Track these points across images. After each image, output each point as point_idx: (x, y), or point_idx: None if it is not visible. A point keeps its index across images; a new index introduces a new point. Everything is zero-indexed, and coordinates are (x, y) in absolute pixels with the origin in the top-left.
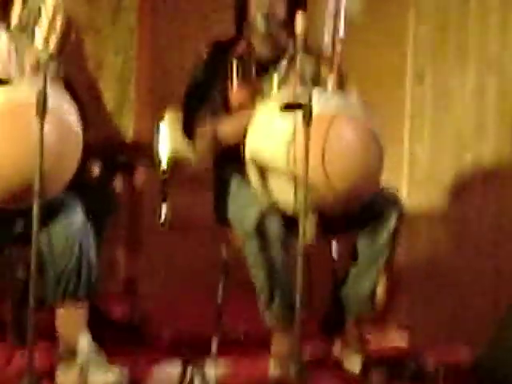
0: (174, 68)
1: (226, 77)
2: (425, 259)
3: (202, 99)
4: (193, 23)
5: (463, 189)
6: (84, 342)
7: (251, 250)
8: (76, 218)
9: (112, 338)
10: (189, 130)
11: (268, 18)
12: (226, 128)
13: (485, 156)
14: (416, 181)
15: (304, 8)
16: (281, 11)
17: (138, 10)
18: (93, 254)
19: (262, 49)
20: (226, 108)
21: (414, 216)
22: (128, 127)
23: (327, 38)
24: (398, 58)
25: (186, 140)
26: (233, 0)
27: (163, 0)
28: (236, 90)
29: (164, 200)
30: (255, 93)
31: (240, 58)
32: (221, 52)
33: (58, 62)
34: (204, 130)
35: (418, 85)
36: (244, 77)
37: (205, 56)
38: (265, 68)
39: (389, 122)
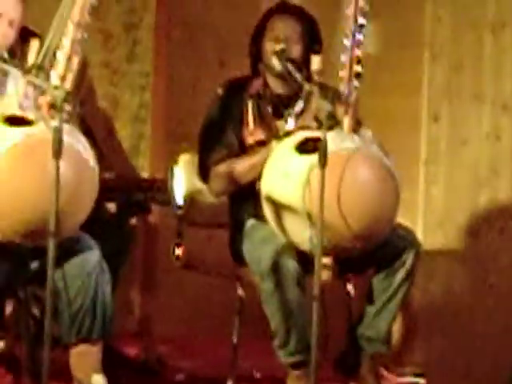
0: (189, 108)
1: (242, 116)
2: (441, 299)
3: (217, 139)
4: (209, 65)
5: (479, 228)
6: (98, 383)
7: (267, 290)
8: (91, 256)
9: (127, 379)
10: (204, 169)
11: (283, 56)
12: (242, 168)
13: (500, 196)
14: (432, 221)
15: (320, 47)
16: (296, 50)
17: (154, 52)
18: (108, 293)
19: (277, 87)
20: (241, 147)
21: (431, 256)
22: (144, 166)
23: (342, 75)
24: (413, 101)
25: (201, 181)
26: (248, 40)
27: (179, 43)
28: (251, 130)
29: (179, 238)
30: (271, 132)
31: (255, 97)
32: (236, 91)
33: (74, 102)
34: (220, 171)
35: (433, 126)
36: (259, 116)
37: (220, 95)
38: (281, 107)
39: (404, 164)
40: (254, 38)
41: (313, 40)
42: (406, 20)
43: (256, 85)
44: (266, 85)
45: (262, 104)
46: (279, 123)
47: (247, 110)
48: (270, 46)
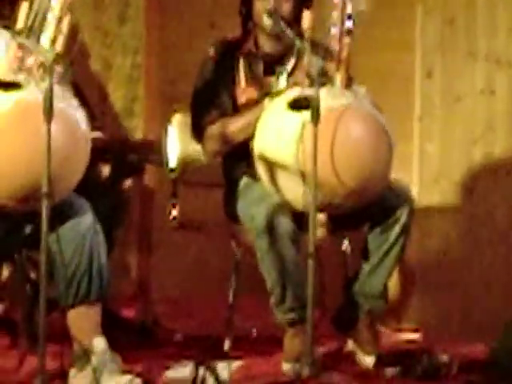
0: (182, 68)
1: (234, 75)
2: (437, 255)
3: (210, 99)
4: (200, 26)
5: (474, 184)
6: (99, 345)
7: (262, 247)
8: (85, 218)
9: (124, 341)
10: (198, 131)
11: (274, 15)
12: (235, 126)
13: (495, 151)
14: (427, 178)
15: (310, 4)
16: (287, 8)
17: (145, 13)
18: (103, 255)
19: (268, 46)
20: (234, 106)
21: (425, 212)
22: (137, 127)
23: (334, 32)
24: (405, 57)
25: (195, 141)
26: (239, 2)
27: (170, 4)
28: (244, 88)
29: (174, 198)
30: (263, 90)
31: (247, 56)
32: (228, 51)
33: (65, 64)
34: (213, 130)
35: (426, 82)
36: (251, 75)
37: (212, 55)
38: (272, 65)
39: (398, 120)
40: None
41: None
42: None
43: (247, 44)
44: (256, 44)
45: (253, 63)
46: (271, 81)
47: (239, 70)
48: (260, 5)
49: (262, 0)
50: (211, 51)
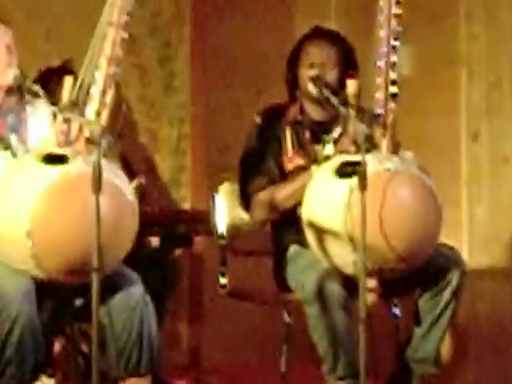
0: (229, 138)
1: (280, 143)
2: (489, 318)
3: (257, 167)
4: (247, 93)
5: None
6: None
7: (313, 315)
8: (135, 290)
9: None
10: (245, 198)
11: (318, 82)
12: (283, 194)
13: None
14: (477, 241)
15: (356, 71)
16: (332, 75)
17: (191, 83)
18: (154, 326)
19: (314, 113)
20: (281, 174)
21: (477, 275)
22: (185, 198)
23: (379, 98)
24: (451, 121)
25: (243, 209)
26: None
27: (215, 73)
28: (290, 156)
29: (223, 266)
30: (310, 158)
31: (293, 124)
32: (274, 118)
33: (111, 136)
34: (261, 198)
35: (473, 146)
36: (298, 142)
37: (258, 123)
38: (319, 133)
39: (446, 184)
40: (290, 64)
41: (348, 64)
42: (441, 40)
43: (293, 111)
44: (303, 111)
45: (300, 130)
46: (318, 148)
47: (285, 137)
48: (305, 72)
49: (307, 67)
50: (257, 119)
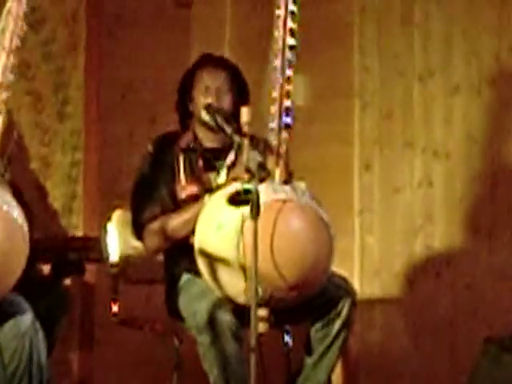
0: (122, 166)
1: (173, 171)
2: (380, 347)
3: (149, 195)
4: (141, 122)
5: (415, 275)
6: None
7: (204, 344)
8: (25, 318)
9: None
10: (138, 227)
11: (211, 109)
12: (175, 223)
13: (435, 243)
14: (368, 270)
15: (247, 97)
16: (226, 101)
17: (84, 111)
18: (43, 354)
19: (207, 141)
20: (174, 203)
21: (368, 304)
22: (77, 225)
23: (272, 127)
24: (344, 150)
25: (135, 238)
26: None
27: (109, 101)
28: (184, 185)
29: (114, 294)
30: (203, 185)
31: (186, 151)
32: (166, 146)
33: (2, 163)
34: (153, 227)
35: (365, 175)
36: (191, 170)
37: (151, 151)
38: (212, 160)
39: (339, 213)
40: (181, 91)
41: (240, 90)
42: (334, 71)
43: (186, 139)
44: (196, 138)
45: (192, 157)
46: (211, 176)
47: (178, 165)
48: (199, 99)
49: (202, 93)
50: (150, 147)
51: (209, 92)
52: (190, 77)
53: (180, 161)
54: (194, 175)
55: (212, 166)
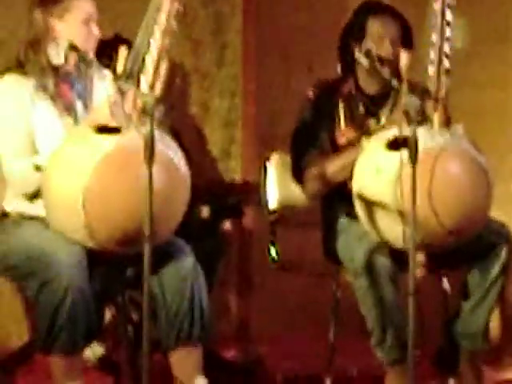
0: (280, 110)
1: (334, 117)
2: None
3: (310, 141)
4: (298, 69)
5: None
6: None
7: (361, 287)
8: (186, 261)
9: (226, 382)
10: (298, 172)
11: (370, 55)
12: (334, 167)
13: None
14: None
15: (409, 45)
16: (386, 48)
17: (242, 56)
18: (204, 297)
19: (367, 86)
20: (333, 148)
21: None
22: (236, 170)
23: (431, 71)
24: (503, 94)
25: (295, 183)
26: (337, 41)
27: (267, 46)
28: (343, 130)
29: (273, 240)
30: (362, 131)
31: (346, 98)
32: (327, 93)
33: (164, 108)
34: (313, 172)
35: None
36: (351, 116)
37: (311, 97)
38: (373, 106)
39: (497, 158)
40: (345, 37)
41: (405, 38)
42: (492, 15)
43: (347, 85)
44: (357, 85)
45: (353, 104)
46: (372, 122)
47: (339, 111)
48: (371, 48)
49: (374, 43)
50: (310, 94)
51: (383, 42)
52: (359, 24)
53: (340, 107)
54: (354, 121)
55: (373, 113)
